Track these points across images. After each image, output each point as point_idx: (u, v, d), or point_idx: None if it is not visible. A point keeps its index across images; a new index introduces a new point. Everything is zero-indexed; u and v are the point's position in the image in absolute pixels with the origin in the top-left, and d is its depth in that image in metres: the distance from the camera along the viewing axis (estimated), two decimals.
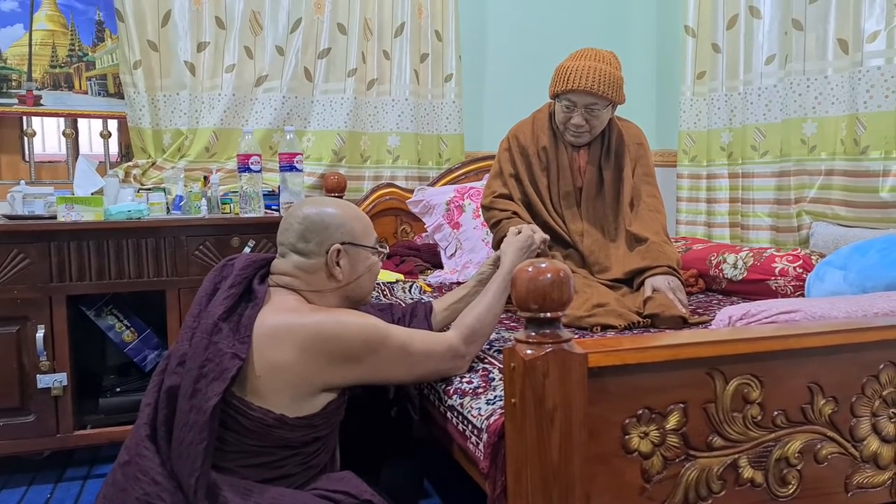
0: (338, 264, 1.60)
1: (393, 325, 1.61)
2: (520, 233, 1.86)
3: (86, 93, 3.02)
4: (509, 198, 2.34)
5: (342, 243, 1.60)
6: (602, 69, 2.17)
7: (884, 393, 1.43)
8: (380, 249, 1.71)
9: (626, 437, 1.27)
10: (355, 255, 1.64)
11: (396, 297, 2.49)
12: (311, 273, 1.60)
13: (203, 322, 1.47)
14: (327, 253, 1.59)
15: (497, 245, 2.35)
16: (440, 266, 3.02)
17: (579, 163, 2.35)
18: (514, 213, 2.29)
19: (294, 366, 1.45)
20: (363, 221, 1.68)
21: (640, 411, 1.28)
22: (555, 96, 2.28)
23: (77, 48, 2.99)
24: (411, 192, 3.27)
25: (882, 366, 1.43)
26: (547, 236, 1.90)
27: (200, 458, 1.34)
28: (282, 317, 1.49)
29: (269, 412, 1.44)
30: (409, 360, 1.57)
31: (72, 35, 2.98)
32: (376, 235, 1.72)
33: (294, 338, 1.46)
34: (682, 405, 1.30)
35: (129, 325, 2.66)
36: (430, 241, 3.17)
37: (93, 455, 2.74)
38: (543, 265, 1.18)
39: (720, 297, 2.51)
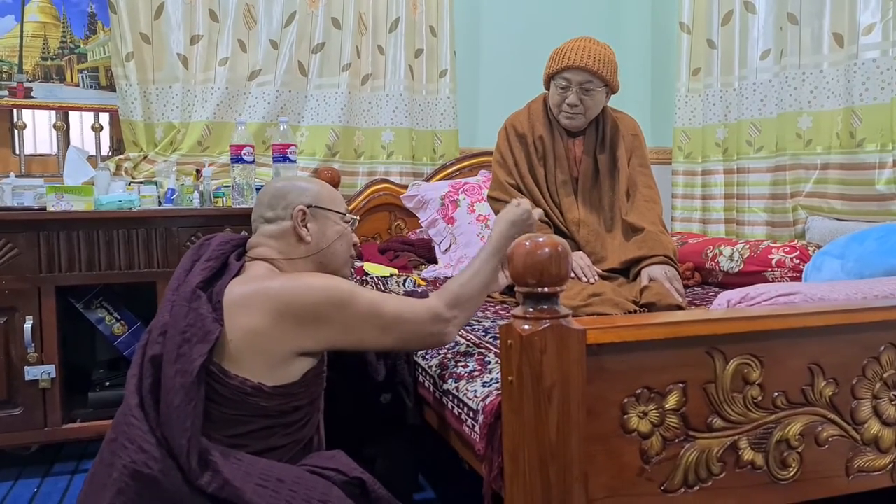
0: (305, 226, 1.60)
1: (367, 289, 1.59)
2: (519, 206, 1.76)
3: (77, 85, 3.00)
4: (517, 188, 2.32)
5: (308, 206, 1.61)
6: (597, 49, 2.18)
7: (885, 375, 1.41)
8: (348, 216, 1.70)
9: (625, 416, 1.25)
10: (323, 219, 1.64)
11: (391, 292, 2.47)
12: (280, 238, 1.61)
13: (182, 292, 1.46)
14: (293, 215, 1.60)
15: None
16: (434, 261, 3.00)
17: (575, 152, 2.33)
18: None
19: (265, 330, 1.43)
20: (331, 191, 1.70)
21: (639, 390, 1.25)
22: (550, 77, 2.26)
23: (69, 40, 2.97)
24: (405, 187, 3.25)
25: (883, 347, 1.41)
26: (541, 210, 1.84)
27: (190, 418, 1.33)
28: (250, 284, 1.49)
29: (246, 381, 1.43)
30: (382, 321, 1.51)
31: (63, 27, 2.96)
32: (347, 207, 1.72)
33: (262, 302, 1.44)
34: (681, 385, 1.28)
35: (119, 317, 2.63)
36: (425, 237, 3.15)
37: (81, 450, 2.71)
38: (541, 239, 1.16)
39: (717, 289, 2.49)
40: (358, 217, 1.80)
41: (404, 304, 1.57)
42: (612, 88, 2.25)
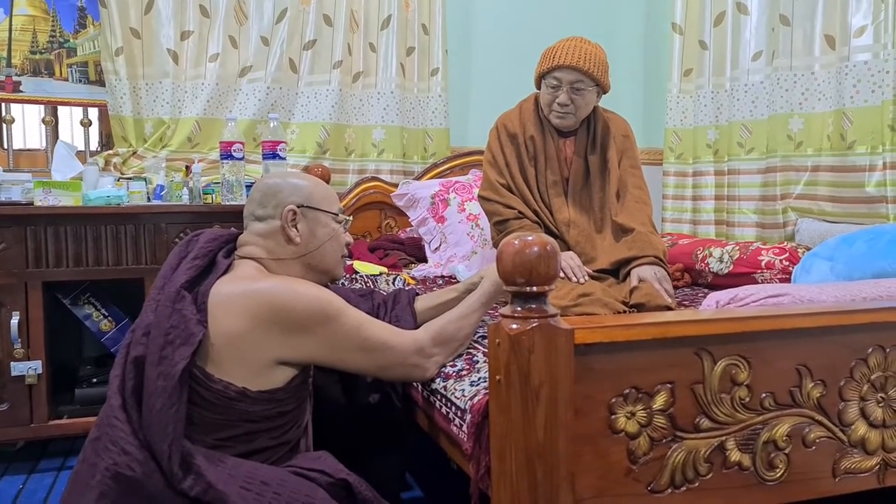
0: (295, 227, 1.58)
1: (356, 309, 1.56)
2: None
3: (66, 80, 2.98)
4: (508, 188, 2.32)
5: (299, 206, 1.58)
6: (589, 49, 2.18)
7: (872, 377, 1.42)
8: (341, 216, 1.67)
9: (613, 416, 1.25)
10: (314, 220, 1.61)
11: (380, 290, 2.46)
12: (269, 238, 1.58)
13: (166, 291, 1.44)
14: (283, 215, 1.57)
15: (498, 244, 2.32)
16: (424, 260, 2.99)
17: (566, 153, 2.33)
18: (520, 213, 2.26)
19: (246, 334, 1.42)
20: (325, 189, 1.67)
21: (627, 391, 1.25)
22: (541, 76, 2.26)
23: (58, 34, 2.95)
24: (396, 186, 3.24)
25: (870, 349, 1.41)
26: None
27: (171, 423, 1.32)
28: (236, 284, 1.47)
29: (230, 385, 1.41)
30: (366, 344, 1.51)
31: (53, 21, 2.94)
32: (340, 206, 1.69)
33: (246, 304, 1.43)
34: (669, 385, 1.28)
35: (106, 314, 2.62)
36: (415, 235, 3.14)
37: (68, 447, 2.69)
38: (530, 238, 1.15)
39: (706, 290, 2.49)
40: (351, 218, 1.77)
41: (390, 332, 1.56)
42: (602, 88, 2.25)
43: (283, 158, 2.71)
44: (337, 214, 1.66)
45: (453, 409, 1.46)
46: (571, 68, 2.17)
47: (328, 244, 1.63)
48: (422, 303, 1.89)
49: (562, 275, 2.11)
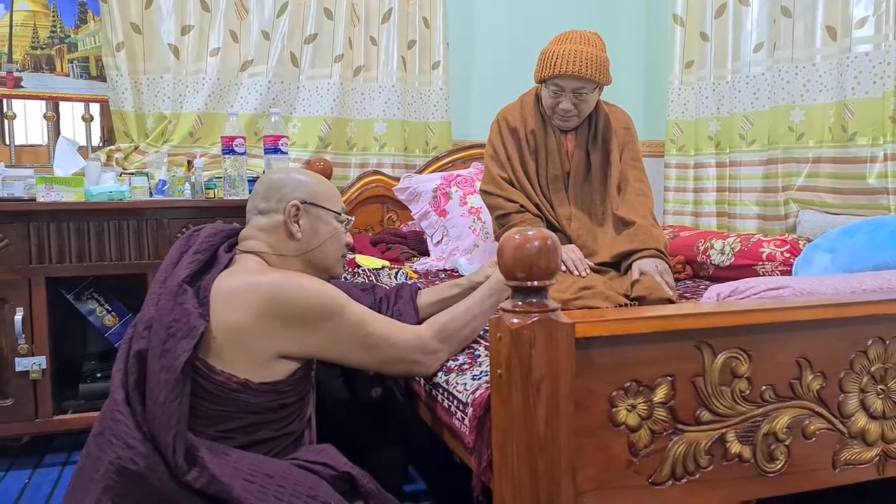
0: (297, 222, 1.58)
1: (359, 304, 1.56)
2: None
3: (67, 75, 2.98)
4: (510, 182, 2.32)
5: (302, 202, 1.59)
6: (588, 52, 2.16)
7: (872, 369, 1.42)
8: (343, 215, 1.68)
9: (614, 409, 1.25)
10: (317, 217, 1.62)
11: (382, 283, 2.47)
12: (271, 232, 1.59)
13: (168, 286, 1.45)
14: (286, 210, 1.57)
15: (500, 237, 2.32)
16: (426, 253, 3.00)
17: (567, 147, 2.33)
18: (522, 206, 2.26)
19: (248, 327, 1.42)
20: (328, 188, 1.67)
21: (628, 384, 1.25)
22: (541, 81, 2.25)
23: (59, 29, 2.95)
24: (398, 179, 3.24)
25: (870, 341, 1.41)
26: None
27: (175, 415, 1.32)
28: (239, 278, 1.47)
29: (232, 377, 1.42)
30: (368, 340, 1.51)
31: (54, 16, 2.94)
32: (343, 206, 1.70)
33: (249, 298, 1.43)
34: (669, 378, 1.28)
35: (110, 309, 2.63)
36: (417, 229, 3.15)
37: (73, 441, 2.70)
38: (530, 233, 1.16)
39: (708, 283, 2.49)
40: (353, 218, 1.77)
41: (393, 328, 1.56)
42: (604, 85, 2.24)
43: (285, 153, 2.72)
44: (339, 213, 1.67)
45: (455, 402, 1.47)
46: (573, 77, 2.16)
47: (329, 242, 1.64)
48: (424, 298, 1.90)
49: (563, 268, 2.11)
